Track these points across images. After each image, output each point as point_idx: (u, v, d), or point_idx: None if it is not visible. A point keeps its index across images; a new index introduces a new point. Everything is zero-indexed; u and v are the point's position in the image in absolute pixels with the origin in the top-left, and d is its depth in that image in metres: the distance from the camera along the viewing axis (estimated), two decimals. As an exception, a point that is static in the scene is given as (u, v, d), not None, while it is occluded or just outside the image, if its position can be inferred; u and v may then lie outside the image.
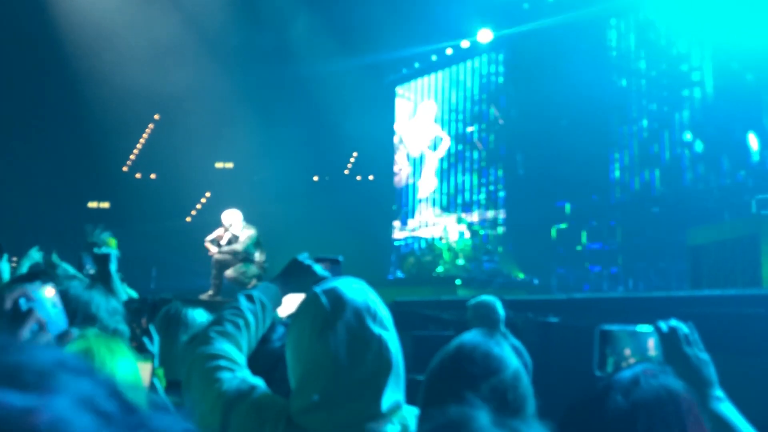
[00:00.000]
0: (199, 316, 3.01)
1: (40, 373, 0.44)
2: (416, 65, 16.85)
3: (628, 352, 1.65)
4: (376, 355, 1.43)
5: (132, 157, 17.40)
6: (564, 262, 13.08)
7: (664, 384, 1.22)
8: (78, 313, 2.10)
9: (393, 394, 1.43)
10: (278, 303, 1.81)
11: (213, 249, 8.74)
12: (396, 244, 15.06)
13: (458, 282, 11.64)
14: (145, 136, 17.31)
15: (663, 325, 1.61)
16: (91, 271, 3.24)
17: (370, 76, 16.03)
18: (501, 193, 14.69)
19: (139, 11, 13.81)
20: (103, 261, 2.98)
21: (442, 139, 15.97)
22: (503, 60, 15.24)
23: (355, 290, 1.53)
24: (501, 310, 4.97)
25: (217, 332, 1.64)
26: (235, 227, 8.62)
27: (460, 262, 12.69)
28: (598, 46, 13.42)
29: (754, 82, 10.68)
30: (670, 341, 1.58)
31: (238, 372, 1.57)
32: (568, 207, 13.32)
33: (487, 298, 5.06)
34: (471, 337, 1.45)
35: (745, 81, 10.74)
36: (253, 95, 15.26)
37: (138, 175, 17.29)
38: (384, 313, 1.52)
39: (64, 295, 2.18)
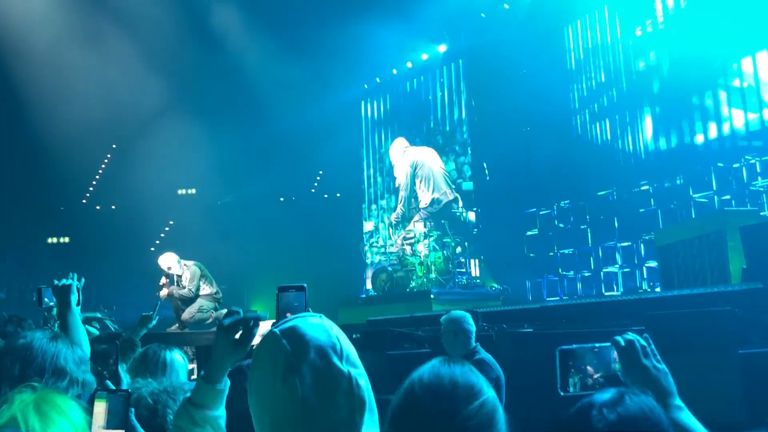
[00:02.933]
0: (177, 357, 2.93)
1: None
2: (377, 80, 16.84)
3: (591, 369, 1.65)
4: (346, 394, 1.32)
5: (91, 188, 17.01)
6: (537, 269, 13.06)
7: (647, 402, 1.26)
8: (46, 366, 2.02)
9: (369, 430, 1.34)
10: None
11: (164, 292, 8.92)
12: (367, 260, 14.90)
13: (432, 296, 11.54)
14: (102, 166, 16.95)
15: (620, 339, 1.61)
16: (51, 304, 3.11)
17: (332, 92, 15.98)
18: (473, 207, 14.63)
19: (91, 41, 13.60)
20: (64, 293, 2.88)
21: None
22: (464, 71, 15.30)
23: (316, 327, 1.40)
24: (472, 325, 4.99)
25: None
26: (174, 269, 8.77)
27: (433, 275, 12.60)
28: (556, 51, 13.54)
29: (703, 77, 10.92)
30: (628, 354, 1.58)
31: None
32: (537, 214, 13.34)
33: (457, 312, 5.09)
34: (440, 365, 1.40)
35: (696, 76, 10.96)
36: (212, 118, 15.09)
37: (98, 207, 16.89)
38: (350, 348, 1.40)
39: (29, 348, 2.05)
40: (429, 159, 14.49)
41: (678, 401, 1.51)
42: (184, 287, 8.79)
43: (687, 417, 1.49)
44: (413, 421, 1.33)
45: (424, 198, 14.17)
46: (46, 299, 3.28)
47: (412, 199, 14.60)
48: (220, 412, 1.61)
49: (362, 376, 1.37)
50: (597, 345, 1.65)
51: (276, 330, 1.40)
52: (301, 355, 1.33)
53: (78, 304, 2.94)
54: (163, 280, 8.93)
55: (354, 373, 1.35)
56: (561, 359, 1.64)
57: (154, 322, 4.33)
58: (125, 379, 2.63)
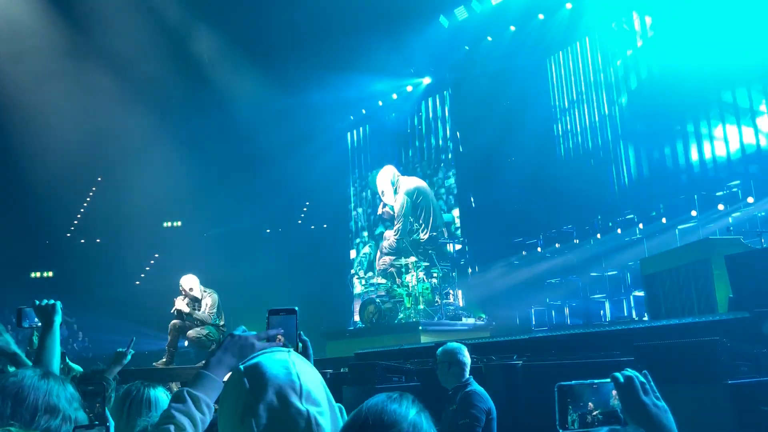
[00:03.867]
0: (161, 395, 2.89)
1: None
2: (363, 111, 16.96)
3: (591, 405, 1.64)
4: None
5: (75, 222, 16.87)
6: (524, 299, 13.04)
7: None
8: (39, 404, 1.97)
9: None
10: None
11: (181, 306, 8.68)
12: (355, 292, 14.81)
13: (420, 328, 11.48)
14: (87, 200, 16.84)
15: (619, 376, 1.59)
16: (33, 325, 3.00)
17: (319, 124, 16.07)
18: (458, 234, 14.63)
19: (76, 77, 13.62)
20: (48, 312, 2.83)
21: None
22: (449, 102, 15.46)
23: (279, 364, 1.40)
24: (466, 357, 5.01)
25: None
26: (195, 291, 8.62)
27: (421, 306, 12.54)
28: (539, 81, 13.73)
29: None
30: (626, 391, 1.56)
31: None
32: (524, 243, 13.38)
33: (453, 345, 5.10)
34: (372, 400, 1.38)
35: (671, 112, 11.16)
36: (198, 150, 15.07)
37: (82, 241, 16.73)
38: (312, 385, 1.39)
39: (20, 387, 2.01)
40: (427, 190, 14.46)
41: None
42: (204, 312, 8.61)
43: None
44: None
45: (423, 234, 14.11)
46: (32, 319, 3.22)
47: (406, 232, 14.54)
48: (212, 405, 1.60)
49: (325, 413, 1.36)
50: (596, 381, 1.64)
51: (241, 366, 1.41)
52: (259, 394, 1.34)
53: (60, 325, 2.88)
54: (178, 303, 8.68)
55: (314, 412, 1.34)
56: (560, 396, 1.61)
57: (128, 359, 4.25)
58: (111, 420, 2.58)
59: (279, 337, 1.70)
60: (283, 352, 1.46)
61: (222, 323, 8.79)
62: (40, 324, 2.90)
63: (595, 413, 1.60)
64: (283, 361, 1.40)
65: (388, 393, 1.39)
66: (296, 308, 1.74)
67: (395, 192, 15.28)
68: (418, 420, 1.33)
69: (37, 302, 2.90)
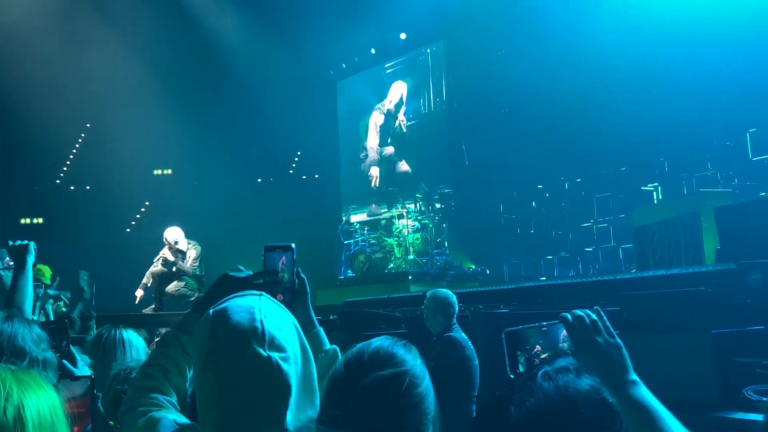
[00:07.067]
0: (133, 335, 2.92)
1: None
2: (355, 60, 16.66)
3: (538, 348, 1.62)
4: (265, 380, 1.29)
5: (65, 168, 16.71)
6: (514, 251, 13.13)
7: (562, 387, 1.24)
8: (4, 346, 1.96)
9: (302, 413, 1.33)
10: None
11: (139, 293, 9.06)
12: (345, 242, 14.83)
13: (410, 277, 11.58)
14: (77, 146, 16.64)
15: (568, 316, 1.55)
16: (11, 264, 3.07)
17: (310, 72, 15.82)
18: (447, 189, 14.55)
19: (62, 18, 13.30)
20: (21, 252, 2.86)
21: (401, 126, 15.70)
22: (443, 51, 15.19)
23: (244, 309, 1.36)
24: (453, 305, 5.19)
25: (137, 388, 1.61)
26: (181, 244, 8.71)
27: (411, 257, 12.62)
28: (535, 31, 13.45)
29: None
30: (577, 331, 1.52)
31: (153, 411, 1.51)
32: (515, 195, 13.39)
33: (442, 291, 5.22)
34: (379, 340, 1.43)
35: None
36: (188, 97, 14.85)
37: (72, 188, 16.61)
38: (277, 331, 1.35)
39: None
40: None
41: (633, 376, 1.44)
42: (187, 264, 8.72)
43: (643, 392, 1.42)
44: (329, 387, 1.38)
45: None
46: (5, 259, 3.23)
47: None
48: None
49: (291, 359, 1.33)
50: (545, 324, 1.61)
51: (210, 311, 1.38)
52: (220, 340, 1.32)
53: (33, 266, 2.91)
54: (162, 253, 8.80)
55: (276, 357, 1.31)
56: (507, 341, 1.60)
57: (87, 294, 4.42)
58: (78, 357, 2.57)
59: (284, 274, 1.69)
60: (253, 296, 1.42)
61: (202, 274, 8.92)
62: (12, 264, 2.89)
63: (543, 356, 1.59)
64: (249, 306, 1.37)
65: (393, 338, 1.44)
66: (293, 245, 1.69)
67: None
68: (422, 370, 1.41)
69: (11, 243, 2.89)
